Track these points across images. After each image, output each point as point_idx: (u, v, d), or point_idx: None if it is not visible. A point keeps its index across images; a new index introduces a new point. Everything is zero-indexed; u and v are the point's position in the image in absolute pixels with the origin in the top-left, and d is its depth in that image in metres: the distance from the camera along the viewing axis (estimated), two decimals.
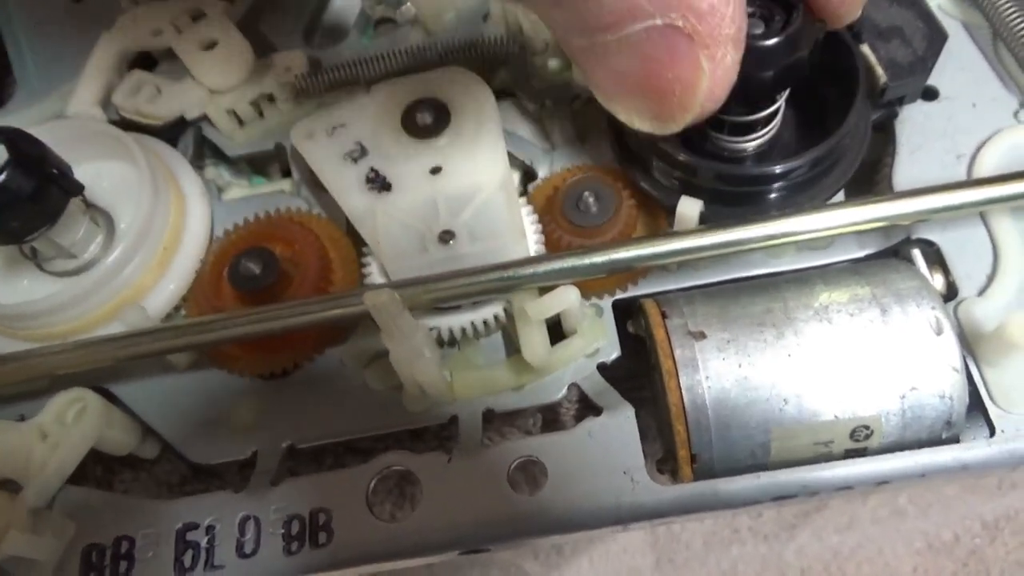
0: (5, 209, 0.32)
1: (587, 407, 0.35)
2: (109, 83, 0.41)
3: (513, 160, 0.39)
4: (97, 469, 0.40)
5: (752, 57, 0.29)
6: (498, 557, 0.51)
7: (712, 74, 0.25)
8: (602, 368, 0.34)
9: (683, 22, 0.23)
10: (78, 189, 0.34)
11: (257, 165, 0.43)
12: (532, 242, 0.34)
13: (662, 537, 0.52)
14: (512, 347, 0.35)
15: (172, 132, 0.41)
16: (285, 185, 0.41)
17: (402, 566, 0.32)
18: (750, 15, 0.31)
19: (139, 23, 0.42)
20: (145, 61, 0.43)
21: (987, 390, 0.30)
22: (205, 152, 0.43)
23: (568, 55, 0.26)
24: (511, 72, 0.41)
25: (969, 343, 0.31)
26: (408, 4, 0.42)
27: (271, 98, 0.40)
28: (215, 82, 0.40)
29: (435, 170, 0.35)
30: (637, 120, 0.27)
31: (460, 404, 0.34)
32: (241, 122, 0.41)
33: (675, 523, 0.51)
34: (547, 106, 0.40)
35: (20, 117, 0.42)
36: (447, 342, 0.35)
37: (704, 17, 0.24)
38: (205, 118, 0.41)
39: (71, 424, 0.33)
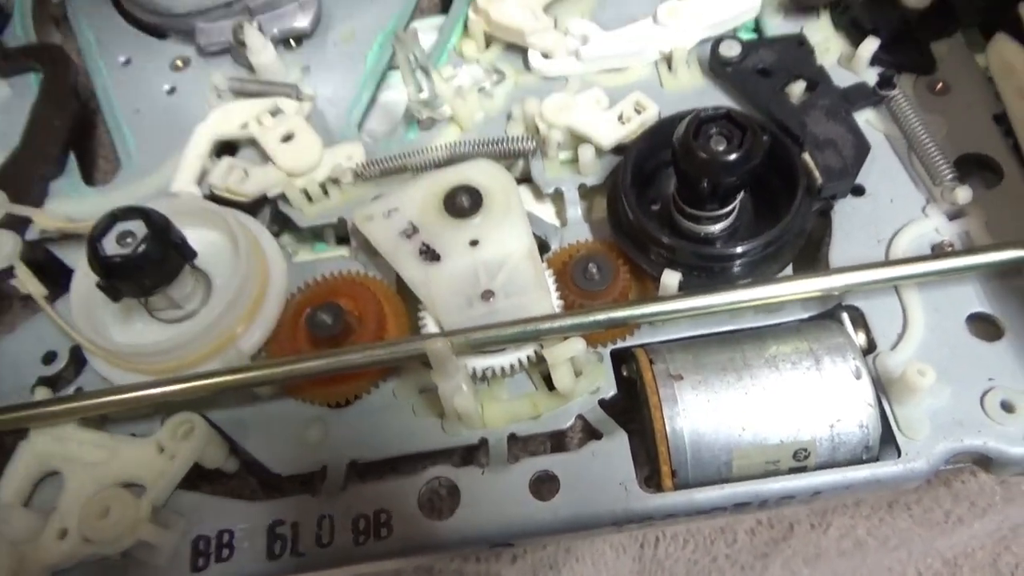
0: (141, 271, 0.40)
1: (589, 434, 0.43)
2: (203, 165, 0.50)
3: None
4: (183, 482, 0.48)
5: (719, 168, 0.39)
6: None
7: None
8: (602, 403, 0.43)
9: None
10: (192, 255, 0.42)
11: (318, 233, 0.52)
12: (554, 297, 0.43)
13: (648, 565, 0.59)
14: (531, 385, 0.44)
15: (252, 206, 0.50)
16: (343, 251, 0.50)
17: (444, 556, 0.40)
18: (715, 134, 0.41)
19: (229, 117, 0.51)
20: (225, 146, 0.52)
21: (896, 423, 0.40)
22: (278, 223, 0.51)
23: None
24: (528, 162, 0.50)
25: (884, 386, 0.40)
26: (445, 106, 0.52)
27: (335, 180, 0.49)
28: (292, 167, 0.49)
29: (473, 242, 0.44)
30: None
31: (489, 430, 0.43)
32: (311, 199, 0.49)
33: (660, 545, 0.59)
34: (559, 191, 0.49)
35: (125, 193, 0.51)
36: (480, 379, 0.43)
37: None
38: (282, 195, 0.49)
39: (181, 440, 0.41)
